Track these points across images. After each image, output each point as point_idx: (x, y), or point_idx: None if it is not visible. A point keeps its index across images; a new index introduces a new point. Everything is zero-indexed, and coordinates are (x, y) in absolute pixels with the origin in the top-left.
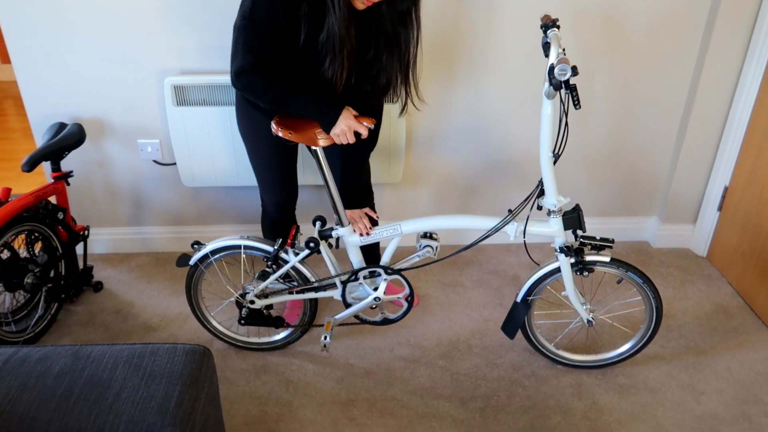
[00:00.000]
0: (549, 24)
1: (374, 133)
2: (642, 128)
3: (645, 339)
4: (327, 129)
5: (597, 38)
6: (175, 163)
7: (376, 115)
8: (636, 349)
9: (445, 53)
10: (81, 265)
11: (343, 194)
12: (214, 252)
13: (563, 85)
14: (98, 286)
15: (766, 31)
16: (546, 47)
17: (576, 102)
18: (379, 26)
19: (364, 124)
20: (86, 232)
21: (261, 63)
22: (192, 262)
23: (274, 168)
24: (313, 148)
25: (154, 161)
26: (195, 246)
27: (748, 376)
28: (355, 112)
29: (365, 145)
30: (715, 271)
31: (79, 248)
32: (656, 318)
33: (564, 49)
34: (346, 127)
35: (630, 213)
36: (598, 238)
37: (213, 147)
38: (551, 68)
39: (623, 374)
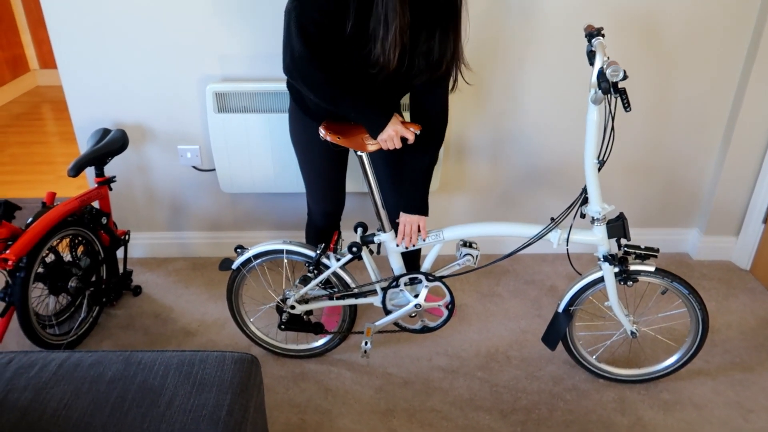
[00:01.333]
0: (594, 33)
1: (441, 130)
2: (683, 137)
3: (691, 352)
4: (375, 134)
5: (638, 45)
6: (214, 169)
7: (439, 106)
8: (682, 362)
9: (485, 60)
10: (121, 269)
11: (403, 196)
12: (257, 256)
13: (612, 89)
14: (137, 290)
15: None
16: (591, 55)
17: (626, 105)
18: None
19: (411, 129)
20: (127, 237)
21: (315, 47)
22: (235, 266)
23: (324, 177)
24: (360, 153)
25: (194, 167)
26: (238, 250)
27: None
28: (401, 118)
29: (433, 142)
30: (759, 284)
31: (120, 252)
32: (702, 330)
33: (608, 57)
34: (394, 132)
35: (670, 224)
36: (642, 247)
37: (252, 154)
38: (600, 72)
39: (667, 390)
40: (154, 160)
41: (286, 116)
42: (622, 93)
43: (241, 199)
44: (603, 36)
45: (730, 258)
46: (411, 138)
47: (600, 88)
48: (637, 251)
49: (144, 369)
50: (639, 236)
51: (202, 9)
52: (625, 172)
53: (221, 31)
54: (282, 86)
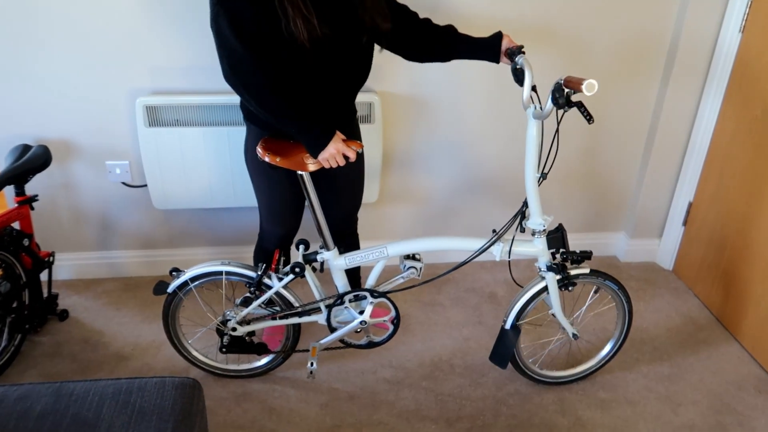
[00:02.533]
0: (515, 50)
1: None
2: (610, 147)
3: (620, 341)
4: (315, 153)
5: (563, 60)
6: (145, 185)
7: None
8: (613, 352)
9: (425, 71)
10: (45, 293)
11: (476, 42)
12: (194, 279)
13: (568, 104)
14: (64, 315)
15: (725, 56)
16: (518, 72)
17: (588, 117)
18: None
19: (353, 148)
20: (51, 259)
21: (254, 45)
22: (170, 289)
23: (282, 200)
24: (300, 173)
25: (123, 183)
26: (173, 273)
27: (720, 386)
28: (343, 137)
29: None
30: (682, 284)
31: (43, 275)
32: (628, 320)
33: (562, 77)
34: (335, 150)
35: (600, 229)
36: (578, 251)
37: (187, 168)
38: (557, 87)
39: (603, 389)
40: (81, 176)
41: (222, 129)
42: (580, 106)
43: (175, 216)
44: (524, 53)
45: (654, 259)
46: (352, 156)
47: (555, 103)
48: (573, 256)
49: (76, 401)
50: (572, 241)
51: (130, 19)
52: (557, 181)
53: (151, 43)
54: (217, 98)
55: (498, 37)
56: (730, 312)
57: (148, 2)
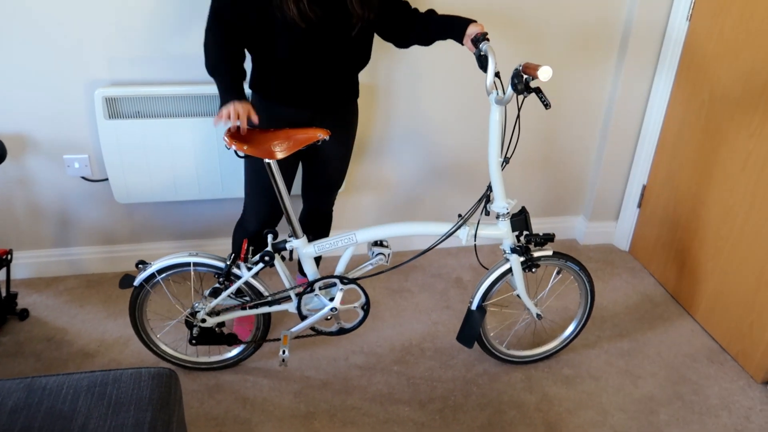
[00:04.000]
0: (479, 37)
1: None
2: (568, 132)
3: (583, 321)
4: (221, 105)
5: (523, 47)
6: (106, 179)
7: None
8: (577, 332)
9: (387, 60)
10: (3, 292)
11: (454, 24)
12: (161, 271)
13: (527, 89)
14: (24, 314)
15: (674, 43)
16: (482, 59)
17: (546, 102)
18: None
19: (252, 117)
20: (9, 257)
21: (219, 19)
22: (137, 282)
23: (269, 188)
24: (267, 161)
25: (83, 177)
26: (140, 265)
27: (676, 358)
28: (248, 107)
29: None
30: (638, 264)
31: (1, 274)
32: (590, 300)
33: (521, 64)
34: (233, 109)
35: (560, 213)
36: (540, 234)
37: (149, 161)
38: (516, 73)
39: (567, 366)
40: (38, 171)
41: (185, 120)
42: (538, 91)
43: (138, 210)
44: (488, 40)
45: (612, 241)
46: (243, 125)
47: (515, 89)
48: (536, 239)
49: (50, 395)
50: (534, 225)
51: (87, 7)
52: (521, 166)
53: (109, 31)
54: (180, 89)
55: (467, 21)
56: (684, 289)
57: None
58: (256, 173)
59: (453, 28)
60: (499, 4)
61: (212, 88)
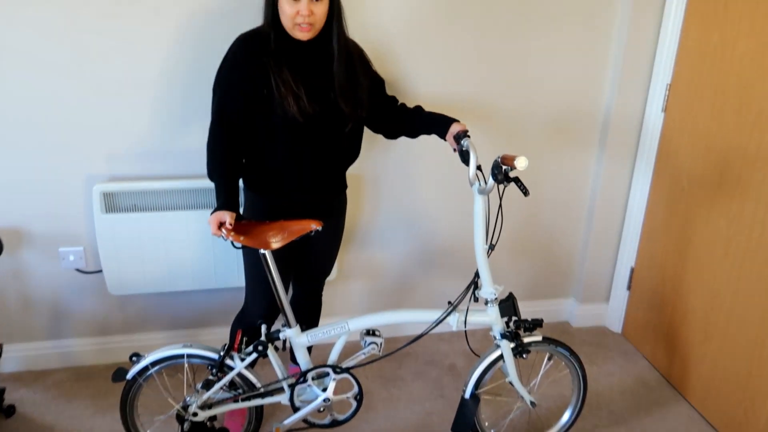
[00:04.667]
0: (461, 134)
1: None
2: (555, 217)
3: (578, 408)
4: (216, 208)
5: (505, 137)
6: (100, 271)
7: (389, 102)
8: (573, 419)
9: (377, 148)
10: None
11: (437, 124)
12: (154, 363)
13: (506, 179)
14: (11, 411)
15: (651, 133)
16: (464, 154)
17: (525, 191)
18: (329, 51)
19: (231, 237)
20: None
21: (224, 120)
22: (130, 375)
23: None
24: (262, 251)
25: (77, 270)
26: (133, 358)
27: None
28: (230, 216)
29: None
30: (631, 347)
31: None
32: (583, 386)
33: (500, 155)
34: (215, 218)
35: (551, 295)
36: (529, 320)
37: (144, 253)
38: (495, 164)
39: None
40: (32, 264)
41: (179, 213)
42: (518, 181)
43: (131, 301)
44: (469, 137)
45: (604, 323)
46: (219, 233)
47: (495, 179)
48: (525, 324)
49: None
50: (524, 308)
51: (86, 106)
52: (511, 250)
53: (108, 129)
54: (175, 183)
55: (451, 120)
56: (677, 372)
57: (103, 89)
58: (255, 266)
59: (437, 125)
60: (482, 98)
61: (206, 182)
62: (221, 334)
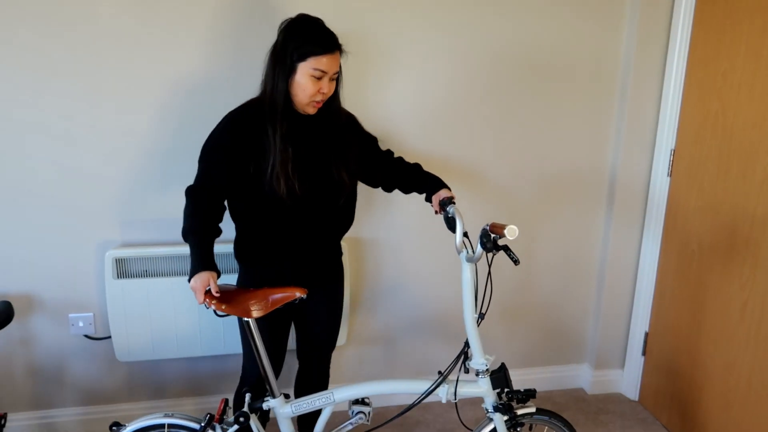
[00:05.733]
0: (446, 201)
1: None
2: (565, 281)
3: None
4: (189, 277)
5: (507, 199)
6: (109, 337)
7: (384, 156)
8: None
9: (364, 218)
10: None
11: (426, 184)
12: None
13: (495, 247)
14: None
15: (658, 197)
16: (450, 221)
17: (515, 259)
18: (330, 127)
19: (213, 306)
20: (3, 421)
21: (210, 182)
22: None
23: (267, 342)
24: (245, 319)
25: (86, 336)
26: (113, 428)
27: None
28: (213, 280)
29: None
30: (649, 414)
31: None
32: None
33: (489, 223)
34: (200, 283)
35: (563, 361)
36: (522, 390)
37: (153, 319)
38: (484, 232)
39: None
40: (41, 331)
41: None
42: (507, 249)
43: (137, 368)
44: (454, 203)
45: (620, 390)
46: (201, 300)
47: (484, 247)
48: (517, 395)
49: None
50: (536, 375)
51: (101, 174)
52: (522, 315)
53: (122, 197)
54: (187, 249)
55: (441, 185)
56: None
57: (115, 155)
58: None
59: (427, 184)
60: (489, 163)
61: (217, 247)
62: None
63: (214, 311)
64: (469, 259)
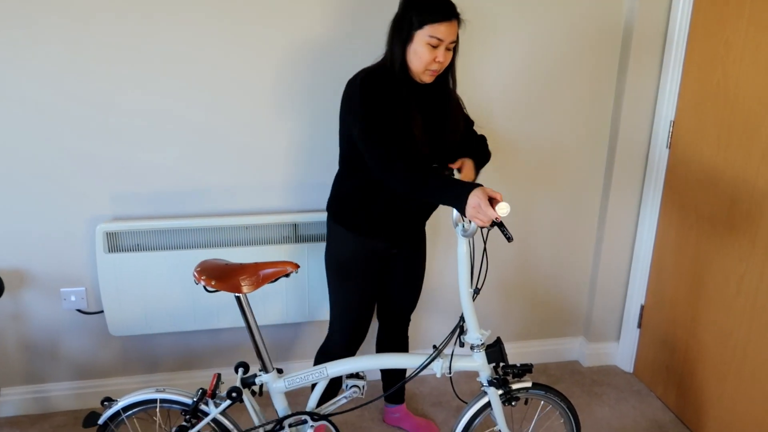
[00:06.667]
0: (450, 171)
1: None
2: (560, 253)
3: None
4: (460, 208)
5: (508, 170)
6: (101, 312)
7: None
8: None
9: None
10: None
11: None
12: (126, 408)
13: (489, 224)
14: None
15: (656, 170)
16: None
17: (509, 236)
18: (444, 92)
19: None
20: None
21: (391, 144)
22: (101, 421)
23: (362, 302)
24: (237, 295)
25: (78, 310)
26: (105, 403)
27: None
28: (490, 192)
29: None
30: (644, 386)
31: None
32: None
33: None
34: (477, 199)
35: (559, 334)
36: (518, 365)
37: (146, 293)
38: None
39: None
40: (33, 305)
41: (183, 252)
42: (501, 225)
43: (131, 342)
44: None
45: (615, 362)
46: (488, 220)
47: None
48: (514, 370)
49: None
50: (530, 348)
51: (90, 147)
52: (520, 289)
53: (113, 169)
54: (179, 222)
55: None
56: (692, 413)
57: (107, 129)
58: (342, 295)
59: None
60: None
61: (210, 221)
62: (226, 374)
63: (204, 287)
64: (464, 234)
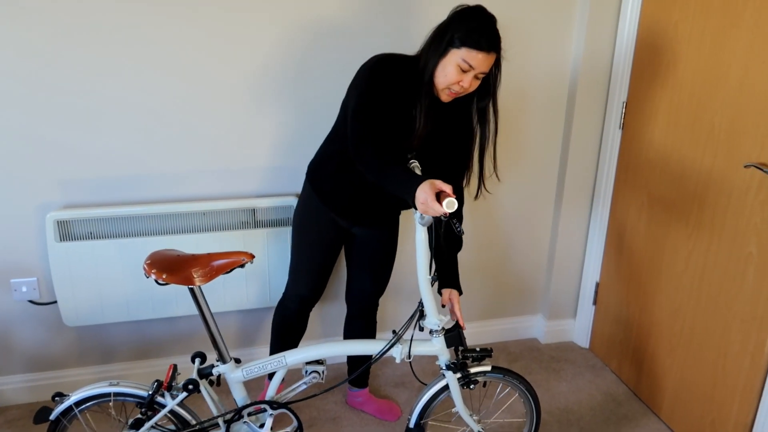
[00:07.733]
0: (409, 158)
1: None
2: (518, 234)
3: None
4: (411, 201)
5: None
6: (55, 302)
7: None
8: None
9: None
10: None
11: (443, 272)
12: (79, 403)
13: (443, 215)
14: None
15: (610, 150)
16: None
17: (459, 230)
18: (461, 119)
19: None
20: None
21: (373, 128)
22: (53, 416)
23: (313, 257)
24: (191, 286)
25: (30, 301)
26: (56, 398)
27: None
28: (439, 186)
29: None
30: (599, 361)
31: None
32: (536, 414)
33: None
34: (431, 190)
35: (519, 313)
36: (478, 349)
37: (100, 282)
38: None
39: None
40: None
41: (137, 240)
42: (453, 217)
43: (87, 332)
44: (414, 161)
45: (572, 339)
46: (448, 190)
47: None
48: (473, 354)
49: None
50: (495, 326)
51: (36, 132)
52: (480, 270)
53: (59, 156)
54: (132, 210)
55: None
56: (645, 387)
57: (52, 112)
58: (303, 243)
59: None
60: None
61: (165, 207)
62: (183, 362)
63: (156, 280)
64: (421, 222)
